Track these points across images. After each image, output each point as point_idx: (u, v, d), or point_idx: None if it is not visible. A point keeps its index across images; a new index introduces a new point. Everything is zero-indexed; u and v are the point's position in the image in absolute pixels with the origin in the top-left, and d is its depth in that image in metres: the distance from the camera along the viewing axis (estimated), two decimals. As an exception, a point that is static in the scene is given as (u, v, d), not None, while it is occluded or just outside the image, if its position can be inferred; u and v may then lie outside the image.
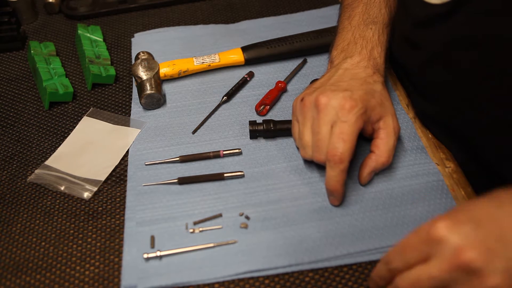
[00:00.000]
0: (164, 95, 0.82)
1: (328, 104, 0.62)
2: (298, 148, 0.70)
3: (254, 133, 0.73)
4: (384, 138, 0.65)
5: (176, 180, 0.69)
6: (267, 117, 0.78)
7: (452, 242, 0.45)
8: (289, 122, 0.73)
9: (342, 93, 0.62)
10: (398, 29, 0.74)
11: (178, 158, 0.72)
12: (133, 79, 0.86)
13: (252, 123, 0.73)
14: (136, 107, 0.81)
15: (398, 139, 0.72)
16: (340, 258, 0.60)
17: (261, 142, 0.74)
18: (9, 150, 0.77)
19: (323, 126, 0.62)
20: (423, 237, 0.47)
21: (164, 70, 0.84)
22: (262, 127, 0.73)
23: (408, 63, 0.75)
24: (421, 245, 0.47)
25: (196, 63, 0.85)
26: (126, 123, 0.79)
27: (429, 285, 0.46)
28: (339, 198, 0.64)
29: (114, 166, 0.73)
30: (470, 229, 0.45)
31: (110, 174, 0.72)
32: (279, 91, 0.80)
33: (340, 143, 0.60)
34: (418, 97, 0.75)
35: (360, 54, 0.70)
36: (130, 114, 0.81)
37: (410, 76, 0.76)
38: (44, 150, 0.77)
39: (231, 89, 0.82)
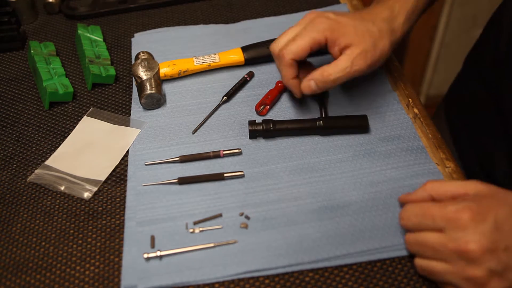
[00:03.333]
0: (164, 95, 0.82)
1: (308, 17, 0.70)
2: None
3: (254, 133, 0.73)
4: (338, 60, 0.67)
5: (176, 180, 0.69)
6: (267, 117, 0.78)
7: (468, 233, 0.51)
8: (288, 122, 0.74)
9: (328, 14, 0.69)
10: None
11: (178, 158, 0.72)
12: (133, 79, 0.86)
13: (252, 123, 0.73)
14: (136, 107, 0.81)
15: (398, 139, 0.72)
16: (340, 258, 0.60)
17: (261, 142, 0.74)
18: (9, 150, 0.77)
19: (292, 27, 0.71)
20: (445, 215, 0.53)
21: (164, 70, 0.84)
22: (261, 127, 0.73)
23: None
24: (440, 220, 0.53)
25: (196, 63, 0.85)
26: (126, 123, 0.79)
27: (430, 253, 0.54)
28: (296, 92, 0.72)
29: (114, 166, 0.73)
30: (489, 229, 0.51)
31: (110, 174, 0.72)
32: (279, 91, 0.80)
33: (290, 42, 0.68)
34: None
35: (377, 2, 0.74)
36: (130, 114, 0.81)
37: None
38: (44, 150, 0.77)
39: (231, 89, 0.82)
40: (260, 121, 0.74)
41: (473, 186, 0.56)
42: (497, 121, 0.80)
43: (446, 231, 0.53)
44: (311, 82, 0.68)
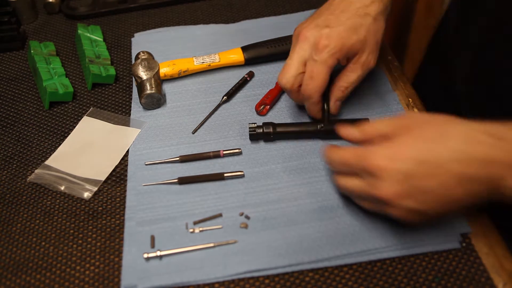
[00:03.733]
0: (164, 95, 0.82)
1: (306, 39, 0.67)
2: None
3: (254, 136, 0.73)
4: (347, 70, 0.69)
5: (176, 180, 0.69)
6: (267, 117, 0.78)
7: (382, 182, 0.53)
8: (289, 125, 0.73)
9: (322, 30, 0.67)
10: None
11: (178, 158, 0.72)
12: (133, 79, 0.86)
13: (252, 126, 0.73)
14: (136, 107, 0.81)
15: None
16: (340, 258, 0.60)
17: (261, 142, 0.74)
18: (9, 150, 0.77)
19: (293, 55, 0.68)
20: (360, 164, 0.55)
21: (164, 70, 0.84)
22: (261, 130, 0.73)
23: None
24: (356, 168, 0.56)
25: (196, 63, 0.85)
26: (126, 123, 0.79)
27: (354, 195, 0.60)
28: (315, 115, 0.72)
29: (114, 166, 0.73)
30: (403, 174, 0.52)
31: (110, 174, 0.72)
32: (279, 91, 0.80)
33: (309, 80, 0.67)
34: None
35: None
36: (130, 114, 0.81)
37: None
38: (44, 150, 0.77)
39: (231, 89, 0.82)
40: (261, 124, 0.73)
41: (400, 122, 0.57)
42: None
43: (363, 178, 0.56)
44: (337, 104, 0.71)
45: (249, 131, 0.73)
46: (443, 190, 0.52)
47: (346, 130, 0.61)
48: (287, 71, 0.69)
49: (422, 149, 0.53)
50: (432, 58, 1.01)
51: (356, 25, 0.67)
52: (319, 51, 0.66)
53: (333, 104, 0.71)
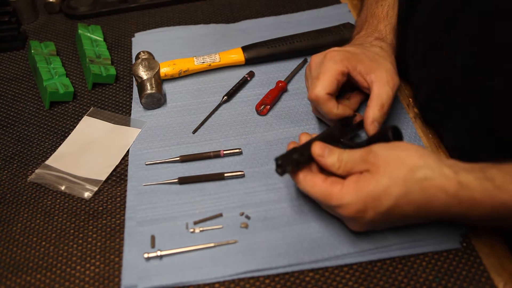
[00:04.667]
0: (165, 95, 0.82)
1: (318, 55, 0.71)
2: None
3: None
4: (375, 91, 0.68)
5: (176, 180, 0.69)
6: (268, 117, 0.78)
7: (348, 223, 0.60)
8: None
9: (333, 47, 0.71)
10: None
11: (178, 158, 0.72)
12: (134, 79, 0.86)
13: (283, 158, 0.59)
14: (136, 106, 0.81)
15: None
16: (340, 258, 0.60)
17: (261, 142, 0.74)
18: (10, 149, 0.77)
19: (310, 67, 0.72)
20: (327, 203, 0.57)
21: (164, 70, 0.84)
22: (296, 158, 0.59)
23: None
24: (324, 204, 0.59)
25: (197, 63, 0.85)
26: (127, 123, 0.79)
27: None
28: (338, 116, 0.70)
29: (114, 166, 0.73)
30: (364, 220, 0.56)
31: (111, 173, 0.72)
32: (280, 90, 0.80)
33: (315, 82, 0.68)
34: None
35: (366, 29, 0.77)
36: (130, 114, 0.81)
37: None
38: (45, 149, 0.77)
39: (232, 88, 0.82)
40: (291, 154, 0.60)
41: (372, 159, 0.57)
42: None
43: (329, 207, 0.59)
44: (375, 124, 0.67)
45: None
46: (404, 224, 0.60)
47: (325, 160, 0.59)
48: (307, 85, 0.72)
49: (386, 199, 0.55)
50: None
51: (364, 48, 0.72)
52: (328, 59, 0.69)
53: (369, 126, 0.66)
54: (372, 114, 0.66)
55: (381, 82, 0.68)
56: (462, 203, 0.54)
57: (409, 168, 0.55)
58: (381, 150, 0.57)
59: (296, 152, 0.59)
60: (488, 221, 0.57)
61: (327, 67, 0.68)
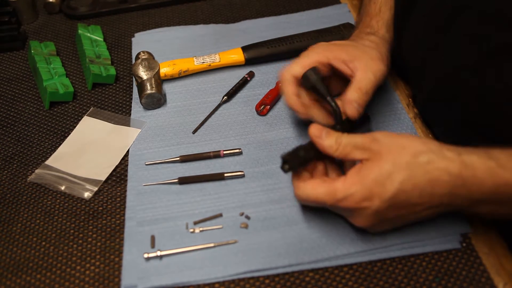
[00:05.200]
0: (165, 95, 0.82)
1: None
2: None
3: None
4: (357, 76, 0.67)
5: (176, 180, 0.69)
6: (268, 117, 0.78)
7: (355, 218, 0.58)
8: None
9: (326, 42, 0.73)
10: None
11: (178, 158, 0.72)
12: (134, 79, 0.86)
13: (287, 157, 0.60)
14: (136, 106, 0.81)
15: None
16: (340, 258, 0.60)
17: (261, 142, 0.74)
18: (10, 150, 0.77)
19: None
20: (335, 205, 0.57)
21: (164, 70, 0.84)
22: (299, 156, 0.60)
23: None
24: (331, 206, 0.58)
25: (197, 63, 0.85)
26: (127, 123, 0.79)
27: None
28: (300, 114, 0.69)
29: (114, 166, 0.73)
30: (374, 211, 0.56)
31: (111, 174, 0.72)
32: (279, 91, 0.80)
33: (289, 65, 0.69)
34: None
35: (360, 28, 0.78)
36: (130, 114, 0.81)
37: None
38: (45, 149, 0.77)
39: (232, 89, 0.82)
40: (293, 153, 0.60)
41: (374, 146, 0.57)
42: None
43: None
44: (354, 104, 0.66)
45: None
46: (408, 219, 0.59)
47: (322, 141, 0.59)
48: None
49: (390, 184, 0.55)
50: None
51: (352, 41, 0.74)
52: (311, 49, 0.71)
53: (348, 108, 0.66)
54: (350, 95, 0.66)
55: (364, 68, 0.68)
56: (465, 184, 0.54)
57: (412, 154, 0.55)
58: (384, 137, 0.57)
59: (302, 149, 0.60)
60: (491, 205, 0.56)
61: (305, 55, 0.70)
